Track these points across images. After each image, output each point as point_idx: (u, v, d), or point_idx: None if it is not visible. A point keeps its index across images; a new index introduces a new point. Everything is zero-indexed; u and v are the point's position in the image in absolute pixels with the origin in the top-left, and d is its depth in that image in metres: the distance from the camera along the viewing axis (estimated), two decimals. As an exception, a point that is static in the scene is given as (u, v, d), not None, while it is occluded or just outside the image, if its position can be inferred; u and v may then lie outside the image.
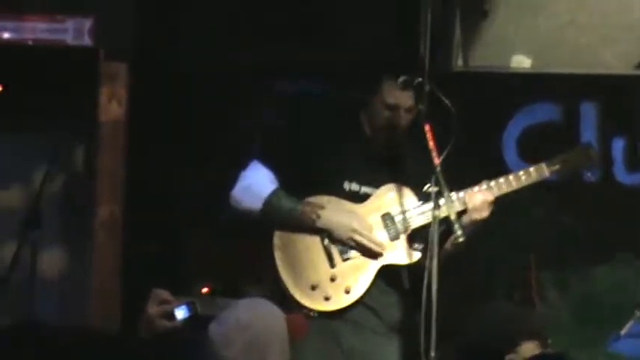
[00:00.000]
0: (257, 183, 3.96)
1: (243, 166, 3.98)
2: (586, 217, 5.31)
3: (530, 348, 4.23)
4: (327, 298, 3.74)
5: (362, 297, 3.80)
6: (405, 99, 3.83)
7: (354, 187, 3.92)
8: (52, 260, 5.36)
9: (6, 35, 5.21)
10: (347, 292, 3.77)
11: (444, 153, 3.56)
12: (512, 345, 4.04)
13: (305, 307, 3.70)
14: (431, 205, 3.57)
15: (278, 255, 3.83)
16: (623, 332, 4.98)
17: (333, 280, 3.75)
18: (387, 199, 3.93)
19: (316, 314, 3.71)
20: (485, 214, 3.74)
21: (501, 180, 3.88)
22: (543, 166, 3.94)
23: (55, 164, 5.03)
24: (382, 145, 3.86)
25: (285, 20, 5.48)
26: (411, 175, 3.84)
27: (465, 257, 3.89)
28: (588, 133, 5.50)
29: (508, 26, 5.48)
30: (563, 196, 5.09)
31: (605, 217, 5.36)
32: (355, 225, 3.82)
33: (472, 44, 5.58)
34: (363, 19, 5.53)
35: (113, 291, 5.11)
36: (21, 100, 5.35)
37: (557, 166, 3.95)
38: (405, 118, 3.75)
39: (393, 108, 3.82)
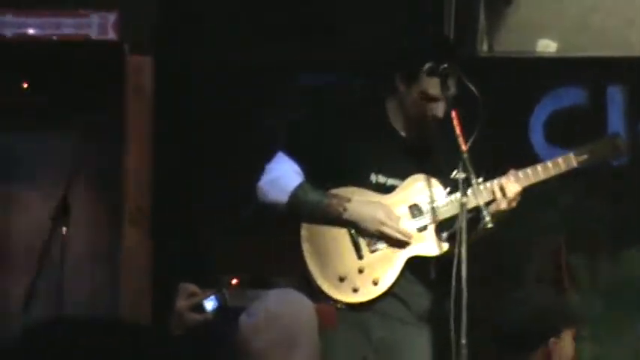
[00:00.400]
0: (283, 176, 3.96)
1: (268, 158, 3.99)
2: (615, 201, 5.27)
3: (569, 335, 4.22)
4: (355, 290, 3.75)
5: (390, 288, 3.81)
6: (445, 88, 3.82)
7: (381, 178, 3.91)
8: (80, 254, 5.31)
9: (31, 31, 5.25)
10: (375, 283, 3.77)
11: (471, 139, 3.57)
12: (555, 331, 4.08)
13: (333, 299, 3.71)
14: (459, 195, 3.60)
15: (305, 247, 3.84)
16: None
17: (361, 271, 3.75)
18: (415, 190, 3.92)
19: (344, 306, 3.72)
20: (513, 204, 3.74)
21: (529, 170, 3.90)
22: (571, 156, 3.92)
23: (81, 159, 5.10)
24: (418, 136, 3.87)
25: (305, 18, 5.46)
26: (439, 164, 3.82)
27: (493, 244, 4.07)
28: (615, 116, 5.50)
29: (533, 11, 5.39)
30: (592, 181, 5.00)
31: (633, 202, 5.32)
32: (382, 216, 3.82)
33: (497, 29, 5.50)
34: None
35: (143, 288, 5.14)
36: (46, 96, 5.40)
37: (585, 156, 3.94)
38: (442, 109, 3.74)
39: (433, 99, 3.81)
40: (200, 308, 3.22)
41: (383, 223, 3.79)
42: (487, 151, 3.92)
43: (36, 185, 5.70)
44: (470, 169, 3.63)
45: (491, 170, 3.87)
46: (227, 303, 3.22)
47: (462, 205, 3.55)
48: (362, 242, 3.80)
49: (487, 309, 4.40)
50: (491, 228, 3.61)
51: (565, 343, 4.43)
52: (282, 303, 2.90)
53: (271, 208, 3.96)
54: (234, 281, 4.49)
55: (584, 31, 5.35)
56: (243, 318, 2.81)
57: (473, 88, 3.65)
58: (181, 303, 3.31)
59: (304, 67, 5.58)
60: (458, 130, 3.65)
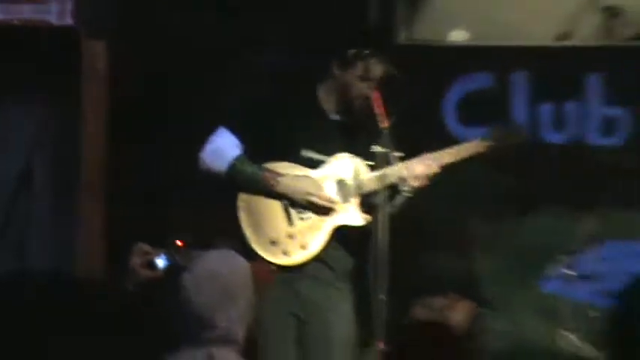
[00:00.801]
0: (223, 147, 4.34)
1: (213, 129, 4.40)
2: (519, 175, 5.63)
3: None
4: (285, 253, 4.18)
5: (317, 253, 4.23)
6: (378, 71, 4.26)
7: (311, 155, 4.32)
8: (41, 217, 5.73)
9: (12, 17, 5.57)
10: (303, 247, 4.19)
11: (392, 118, 4.05)
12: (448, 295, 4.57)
13: (266, 261, 4.16)
14: (379, 172, 4.15)
15: (242, 215, 4.26)
16: (552, 274, 5.62)
17: (291, 237, 4.19)
18: (341, 166, 4.35)
19: (275, 268, 4.19)
20: (424, 182, 4.19)
21: (441, 153, 4.34)
22: (479, 141, 4.41)
23: (42, 132, 5.56)
24: (347, 117, 4.30)
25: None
26: (365, 143, 4.25)
27: (409, 214, 4.33)
28: (519, 100, 5.90)
29: (447, 3, 6.01)
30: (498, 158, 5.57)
31: (536, 175, 5.78)
32: (310, 189, 4.25)
33: (415, 20, 6.03)
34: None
35: (98, 249, 5.52)
36: (7, 76, 5.69)
37: (489, 143, 4.41)
38: (372, 90, 4.18)
39: (366, 80, 4.22)
40: (152, 265, 3.62)
41: (310, 195, 4.20)
42: (407, 130, 4.31)
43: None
44: (389, 144, 4.11)
45: (411, 147, 4.30)
46: (176, 261, 3.63)
47: (382, 176, 4.10)
48: (292, 211, 4.23)
49: (407, 270, 4.87)
50: (407, 200, 4.15)
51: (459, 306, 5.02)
52: (222, 261, 3.15)
53: (212, 177, 4.35)
54: (179, 242, 5.21)
55: (492, 23, 5.85)
56: (185, 275, 3.03)
57: (395, 73, 4.16)
58: (135, 260, 3.69)
59: (252, 45, 5.84)
60: (380, 110, 4.13)
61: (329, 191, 4.39)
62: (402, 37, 5.98)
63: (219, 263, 3.14)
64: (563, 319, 5.87)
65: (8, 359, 3.55)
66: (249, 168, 4.31)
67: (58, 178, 5.92)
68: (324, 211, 4.31)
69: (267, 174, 4.29)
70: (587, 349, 5.72)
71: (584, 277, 5.72)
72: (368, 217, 4.32)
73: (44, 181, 5.77)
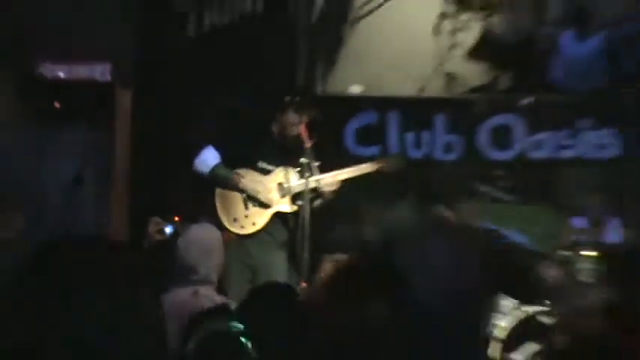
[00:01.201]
0: (208, 158, 6.28)
1: (202, 147, 6.38)
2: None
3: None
4: (242, 227, 6.21)
5: (263, 227, 6.25)
6: (304, 114, 6.26)
7: (264, 165, 6.33)
8: (88, 203, 7.69)
9: (61, 75, 7.60)
10: (254, 224, 6.23)
11: (313, 141, 6.05)
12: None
13: (230, 231, 6.13)
14: (304, 181, 6.08)
15: (217, 202, 6.26)
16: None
17: (246, 217, 6.22)
18: (281, 174, 6.34)
19: (235, 236, 6.13)
20: (333, 188, 6.23)
21: (344, 170, 6.41)
22: (371, 164, 6.52)
23: (89, 151, 7.60)
24: (289, 144, 6.21)
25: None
26: (296, 158, 6.21)
27: (323, 205, 6.43)
28: (393, 129, 7.91)
29: (348, 67, 8.26)
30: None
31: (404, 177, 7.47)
32: (259, 188, 6.26)
33: (328, 78, 8.28)
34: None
35: (126, 223, 7.57)
36: (67, 113, 7.70)
37: (379, 166, 6.53)
38: (299, 129, 6.08)
39: (298, 120, 6.18)
40: (162, 232, 5.35)
41: (259, 192, 6.23)
42: (321, 148, 6.42)
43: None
44: (311, 158, 6.07)
45: (326, 161, 6.40)
46: (176, 229, 5.31)
47: (306, 184, 6.06)
48: (248, 201, 6.26)
49: (320, 238, 6.58)
50: (325, 199, 6.25)
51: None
52: (202, 230, 4.93)
53: (200, 177, 6.33)
54: (177, 218, 6.11)
55: (376, 80, 8.10)
56: (180, 239, 4.80)
57: (315, 114, 6.34)
58: (151, 228, 5.42)
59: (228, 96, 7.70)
60: (306, 137, 6.12)
61: (272, 190, 6.38)
62: (320, 90, 8.20)
63: (201, 232, 4.90)
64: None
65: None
66: (224, 172, 6.26)
67: (99, 181, 7.81)
68: (265, 203, 6.32)
69: (235, 176, 6.25)
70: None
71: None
72: (295, 207, 6.34)
73: (90, 182, 7.67)
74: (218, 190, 6.45)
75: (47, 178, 7.74)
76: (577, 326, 4.73)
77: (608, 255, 5.99)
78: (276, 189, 6.42)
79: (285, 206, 6.42)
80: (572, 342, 4.46)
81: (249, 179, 6.39)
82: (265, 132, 6.64)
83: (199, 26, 7.95)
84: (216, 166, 6.38)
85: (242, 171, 6.44)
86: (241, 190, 6.36)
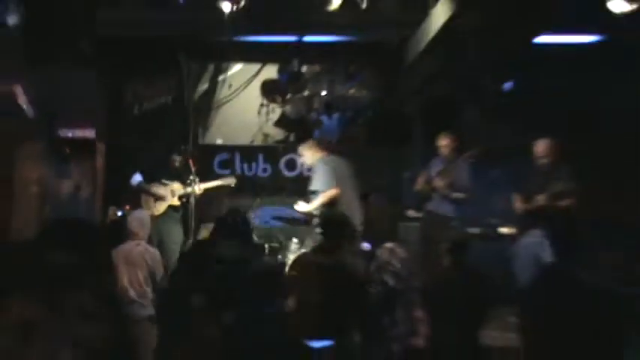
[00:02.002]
0: (136, 178, 9.94)
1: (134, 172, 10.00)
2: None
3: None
4: (156, 211, 9.78)
5: (164, 212, 9.90)
6: (191, 153, 10.40)
7: (165, 182, 9.88)
8: (80, 206, 12.44)
9: (69, 134, 10.48)
10: (159, 210, 9.88)
11: (196, 167, 9.89)
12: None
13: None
14: (190, 188, 9.84)
15: (142, 199, 9.90)
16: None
17: (155, 207, 9.94)
18: (174, 185, 10.04)
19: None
20: (203, 191, 9.75)
21: (208, 183, 9.98)
22: (223, 179, 10.20)
23: (81, 179, 12.66)
24: (181, 170, 10.52)
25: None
26: (188, 177, 9.84)
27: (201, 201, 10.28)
28: (237, 162, 11.96)
29: (215, 129, 12.15)
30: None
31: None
32: (161, 192, 9.82)
33: (205, 132, 12.11)
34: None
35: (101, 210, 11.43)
36: (65, 156, 10.55)
37: (228, 181, 10.25)
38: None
39: (187, 157, 10.32)
40: (116, 214, 10.35)
41: (161, 194, 9.87)
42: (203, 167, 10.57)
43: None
44: (195, 176, 9.85)
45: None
46: (126, 213, 9.91)
47: (192, 190, 10.04)
48: (156, 199, 9.96)
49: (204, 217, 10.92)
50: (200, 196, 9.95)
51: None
52: (140, 213, 8.34)
53: (133, 187, 10.15)
54: (127, 207, 10.41)
55: (229, 137, 11.97)
56: (129, 217, 8.05)
57: (196, 153, 10.63)
58: (110, 212, 10.71)
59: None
60: (193, 165, 10.03)
61: (168, 194, 9.83)
62: (200, 141, 11.93)
63: (138, 213, 8.17)
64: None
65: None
66: (144, 185, 9.86)
67: (86, 194, 10.83)
68: (164, 200, 9.84)
69: (149, 187, 9.78)
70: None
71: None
72: (179, 202, 9.92)
73: (83, 189, 10.81)
74: (142, 194, 10.24)
75: (63, 188, 10.75)
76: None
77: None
78: (170, 193, 10.21)
79: (175, 201, 10.26)
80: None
81: (156, 188, 10.23)
82: (169, 164, 10.23)
83: (140, 109, 11.89)
84: (140, 183, 10.20)
85: (153, 184, 10.27)
86: (152, 194, 10.28)
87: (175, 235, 10.14)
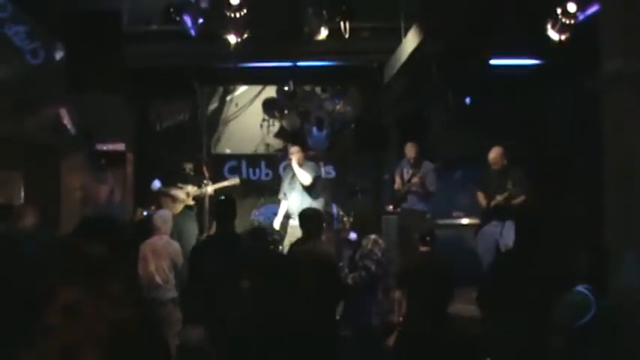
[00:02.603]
0: (156, 184, 10.28)
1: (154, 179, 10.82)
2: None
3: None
4: (175, 210, 10.27)
5: (180, 211, 9.83)
6: (204, 160, 10.93)
7: (181, 185, 10.08)
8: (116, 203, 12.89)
9: (104, 148, 11.03)
10: (177, 209, 9.77)
11: (210, 173, 11.14)
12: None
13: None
14: (203, 189, 10.43)
15: (162, 201, 10.22)
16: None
17: (174, 206, 10.14)
18: (188, 188, 9.94)
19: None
20: (215, 192, 10.62)
21: (219, 184, 10.11)
22: (230, 180, 10.32)
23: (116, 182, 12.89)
24: (198, 175, 10.94)
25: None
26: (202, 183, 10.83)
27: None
28: (244, 168, 12.20)
29: (224, 141, 12.36)
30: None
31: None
32: (178, 195, 10.20)
33: (213, 143, 12.29)
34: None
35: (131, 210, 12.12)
36: (107, 164, 11.11)
37: (234, 182, 10.52)
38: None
39: (198, 164, 10.92)
40: (142, 214, 10.47)
41: (178, 196, 9.92)
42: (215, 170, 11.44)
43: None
44: (209, 181, 10.44)
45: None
46: (151, 213, 10.01)
47: (206, 189, 10.11)
48: (175, 200, 10.21)
49: None
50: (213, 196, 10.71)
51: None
52: (163, 212, 8.38)
53: (155, 191, 10.66)
54: (153, 207, 12.10)
55: (236, 147, 12.21)
56: (154, 216, 8.69)
57: (207, 161, 11.39)
58: (138, 212, 10.74)
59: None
60: (206, 172, 10.71)
61: (183, 195, 9.84)
62: (212, 151, 12.19)
63: (162, 213, 8.05)
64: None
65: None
66: (164, 189, 9.94)
67: (118, 197, 11.48)
68: (180, 201, 9.88)
69: (169, 191, 9.91)
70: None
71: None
72: (193, 202, 10.00)
73: (115, 197, 11.60)
74: (162, 197, 10.23)
75: (100, 192, 10.87)
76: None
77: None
78: (185, 195, 10.14)
79: (190, 201, 10.21)
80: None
81: (174, 191, 10.22)
82: (181, 170, 10.33)
83: (161, 126, 12.14)
84: (159, 187, 10.28)
85: (171, 188, 10.27)
86: (171, 196, 10.24)
87: (192, 230, 10.13)
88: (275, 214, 9.95)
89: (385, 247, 6.90)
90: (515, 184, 8.84)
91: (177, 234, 9.28)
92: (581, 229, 7.21)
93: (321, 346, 3.98)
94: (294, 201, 9.28)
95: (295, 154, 9.29)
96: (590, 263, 4.87)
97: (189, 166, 10.36)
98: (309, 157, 10.02)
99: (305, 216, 7.03)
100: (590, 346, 4.58)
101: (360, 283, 6.53)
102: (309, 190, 9.26)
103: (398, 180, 10.02)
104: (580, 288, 4.75)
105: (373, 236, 6.93)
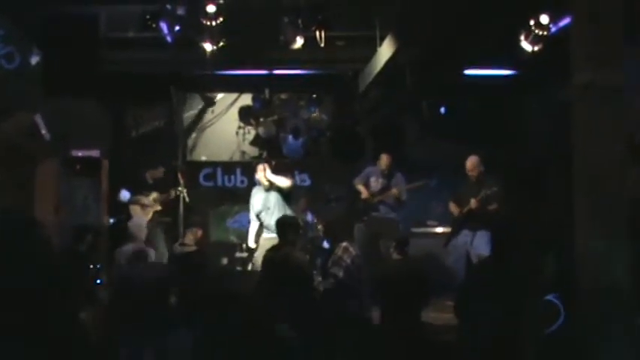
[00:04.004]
0: (124, 194, 10.44)
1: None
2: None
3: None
4: (145, 216, 11.26)
5: (152, 217, 10.22)
6: (183, 168, 11.09)
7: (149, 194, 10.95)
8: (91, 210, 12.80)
9: (80, 154, 10.28)
10: (148, 214, 10.23)
11: (185, 179, 11.04)
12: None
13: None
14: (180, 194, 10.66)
15: (131, 210, 10.34)
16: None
17: (144, 212, 10.59)
18: (155, 195, 10.64)
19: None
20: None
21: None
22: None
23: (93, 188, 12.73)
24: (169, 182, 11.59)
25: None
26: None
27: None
28: (219, 175, 12.23)
29: (201, 148, 12.26)
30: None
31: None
32: (146, 202, 10.13)
33: (193, 151, 12.25)
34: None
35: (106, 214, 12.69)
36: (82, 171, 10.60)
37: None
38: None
39: (180, 172, 10.94)
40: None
41: (146, 204, 10.11)
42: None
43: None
44: (183, 187, 10.64)
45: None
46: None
47: (183, 194, 10.99)
48: (143, 207, 10.29)
49: None
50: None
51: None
52: (139, 220, 11.00)
53: (121, 200, 10.89)
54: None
55: (212, 154, 12.13)
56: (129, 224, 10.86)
57: (184, 168, 11.20)
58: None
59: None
60: (182, 178, 10.61)
61: (152, 202, 10.03)
62: (189, 158, 12.16)
63: (138, 221, 9.74)
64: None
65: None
66: (133, 199, 9.95)
67: (94, 200, 10.58)
68: (149, 207, 10.35)
69: (138, 200, 10.10)
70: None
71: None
72: (161, 207, 10.33)
73: (90, 200, 10.88)
74: (131, 205, 10.37)
75: (75, 199, 10.54)
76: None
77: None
78: (151, 200, 10.30)
79: (158, 207, 10.39)
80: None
81: (141, 198, 10.30)
82: (144, 178, 10.41)
83: (137, 132, 12.07)
84: (129, 198, 10.35)
85: (138, 197, 10.36)
86: (141, 204, 10.36)
87: (162, 237, 10.38)
88: (250, 222, 9.89)
89: (355, 254, 6.98)
90: (490, 191, 8.92)
91: (149, 242, 9.26)
92: (553, 236, 7.25)
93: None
94: (271, 217, 9.02)
95: (264, 169, 9.24)
96: (557, 271, 4.91)
97: (149, 175, 10.53)
98: (284, 165, 10.05)
99: (283, 223, 7.11)
100: (558, 353, 4.70)
101: (326, 290, 6.67)
102: (286, 197, 9.17)
103: (363, 190, 10.08)
104: (549, 297, 4.76)
105: (344, 244, 7.03)
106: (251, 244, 9.33)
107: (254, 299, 5.68)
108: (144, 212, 10.15)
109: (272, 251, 7.07)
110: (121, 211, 10.61)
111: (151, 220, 10.01)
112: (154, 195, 10.28)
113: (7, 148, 9.24)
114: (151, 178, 10.45)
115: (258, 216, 9.18)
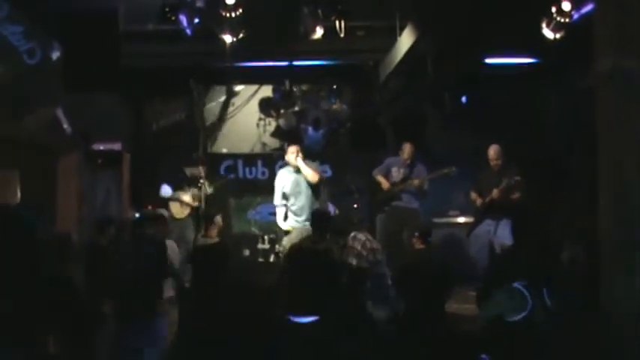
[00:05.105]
0: (166, 190, 10.87)
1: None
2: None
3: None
4: (181, 212, 11.27)
5: (189, 213, 10.96)
6: (203, 161, 10.44)
7: (184, 189, 10.98)
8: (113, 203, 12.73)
9: (102, 148, 10.39)
10: (183, 211, 10.77)
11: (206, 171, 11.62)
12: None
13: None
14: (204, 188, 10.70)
15: (169, 204, 11.57)
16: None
17: (181, 208, 10.86)
18: (187, 189, 10.62)
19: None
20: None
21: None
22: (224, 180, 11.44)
23: (111, 185, 11.74)
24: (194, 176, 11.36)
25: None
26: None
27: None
28: (240, 167, 12.15)
29: (221, 141, 12.29)
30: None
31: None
32: (187, 199, 10.80)
33: (212, 143, 12.25)
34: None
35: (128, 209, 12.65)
36: (104, 164, 10.68)
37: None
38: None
39: (199, 163, 10.69)
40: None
41: (182, 198, 10.99)
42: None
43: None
44: (205, 180, 10.64)
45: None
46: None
47: (205, 188, 10.73)
48: (180, 203, 11.06)
49: None
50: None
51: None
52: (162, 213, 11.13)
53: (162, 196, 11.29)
54: (150, 207, 12.43)
55: (232, 144, 12.16)
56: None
57: (205, 160, 11.18)
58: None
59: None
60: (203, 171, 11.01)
61: (191, 200, 10.83)
62: (209, 150, 12.07)
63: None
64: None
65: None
66: (174, 195, 10.36)
67: (117, 192, 10.83)
68: (183, 202, 10.68)
69: (180, 196, 10.62)
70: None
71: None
72: (196, 201, 10.74)
73: (113, 193, 11.05)
74: (170, 201, 10.75)
75: (97, 192, 10.70)
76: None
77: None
78: (191, 198, 10.60)
79: (195, 204, 10.53)
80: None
81: (182, 195, 10.65)
82: (184, 173, 10.57)
83: (157, 125, 12.18)
84: (170, 194, 10.67)
85: (179, 193, 10.71)
86: (180, 201, 10.72)
87: (192, 230, 10.45)
88: (271, 214, 10.11)
89: (365, 239, 7.14)
90: (512, 181, 8.91)
91: (178, 235, 9.61)
92: (575, 225, 7.20)
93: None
94: (301, 201, 9.04)
95: (296, 152, 9.09)
96: (529, 261, 4.85)
97: (189, 170, 10.50)
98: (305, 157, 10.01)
99: (321, 215, 7.24)
100: (523, 343, 4.57)
101: (346, 277, 6.67)
102: (313, 188, 9.09)
103: (383, 180, 10.05)
104: (516, 284, 4.68)
105: (353, 233, 7.25)
106: (284, 225, 9.20)
107: (278, 291, 5.55)
108: (181, 210, 10.41)
109: (309, 243, 6.97)
110: (145, 204, 10.60)
111: (188, 217, 10.33)
112: (194, 191, 10.36)
113: (30, 143, 9.39)
114: (190, 173, 10.49)
115: (286, 197, 9.07)
